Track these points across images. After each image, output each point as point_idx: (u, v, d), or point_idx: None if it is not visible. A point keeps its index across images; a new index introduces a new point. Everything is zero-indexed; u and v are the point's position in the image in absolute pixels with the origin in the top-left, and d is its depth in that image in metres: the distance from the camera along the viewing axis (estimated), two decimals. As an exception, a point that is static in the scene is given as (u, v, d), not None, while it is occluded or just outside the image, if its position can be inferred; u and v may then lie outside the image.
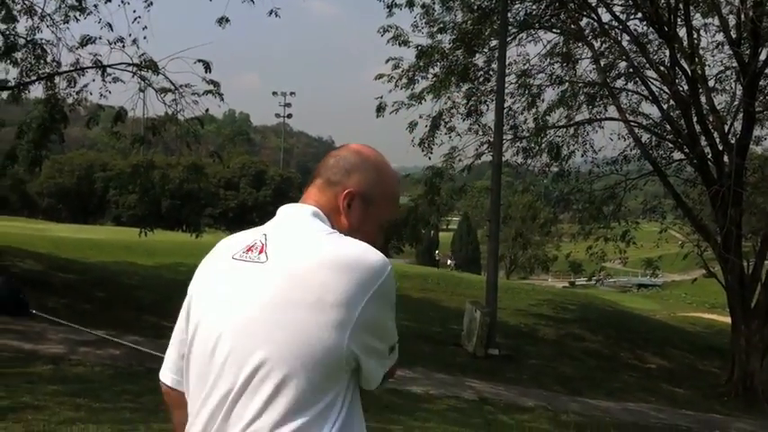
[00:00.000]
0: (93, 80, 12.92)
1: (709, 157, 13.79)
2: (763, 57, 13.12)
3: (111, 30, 12.42)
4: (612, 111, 15.37)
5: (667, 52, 13.90)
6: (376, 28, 14.85)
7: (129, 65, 12.47)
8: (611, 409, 10.54)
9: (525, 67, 15.59)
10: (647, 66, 14.28)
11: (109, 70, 12.65)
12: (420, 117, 15.39)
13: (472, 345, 12.77)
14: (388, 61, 15.10)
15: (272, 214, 1.55)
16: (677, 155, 15.61)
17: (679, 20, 13.32)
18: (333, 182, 1.53)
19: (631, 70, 14.83)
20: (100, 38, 12.42)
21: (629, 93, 15.72)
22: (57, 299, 11.63)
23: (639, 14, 14.25)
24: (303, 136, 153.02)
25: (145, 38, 13.04)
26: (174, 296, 1.53)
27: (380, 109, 15.25)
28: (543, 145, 15.98)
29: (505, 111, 14.89)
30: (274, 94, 75.15)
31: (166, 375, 1.53)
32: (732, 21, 13.06)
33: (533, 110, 15.88)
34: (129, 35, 12.40)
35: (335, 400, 1.36)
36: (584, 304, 22.21)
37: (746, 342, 13.20)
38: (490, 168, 14.95)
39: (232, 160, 60.16)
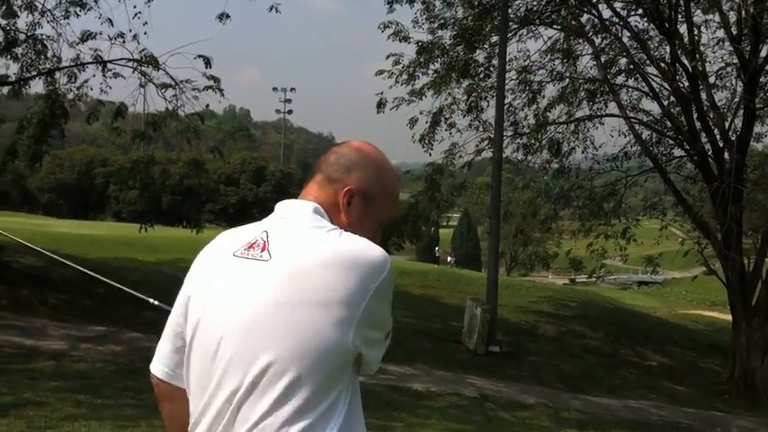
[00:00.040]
0: (94, 76, 12.93)
1: (709, 153, 13.79)
2: (763, 53, 13.14)
3: (112, 25, 12.41)
4: (613, 107, 15.37)
5: (668, 49, 13.89)
6: (376, 24, 14.84)
7: (130, 60, 12.47)
8: (612, 407, 10.55)
9: (526, 63, 15.60)
10: (648, 62, 14.26)
11: (109, 66, 12.66)
12: (420, 113, 15.40)
13: (473, 342, 12.78)
14: (388, 57, 15.09)
15: (272, 210, 1.54)
16: (678, 151, 15.62)
17: (680, 16, 13.31)
18: (333, 178, 1.53)
19: (632, 67, 14.81)
20: (100, 33, 12.43)
21: (630, 89, 15.73)
22: (57, 294, 11.64)
23: (640, 11, 14.24)
24: (303, 132, 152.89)
25: (145, 33, 13.00)
26: (175, 292, 1.53)
27: (381, 105, 15.23)
28: (544, 141, 15.96)
29: (506, 107, 14.88)
30: (275, 89, 75.33)
31: (157, 368, 1.53)
32: (733, 17, 13.07)
33: (534, 106, 15.87)
34: (130, 30, 12.39)
35: (338, 399, 1.36)
36: (584, 301, 22.23)
37: (747, 339, 13.20)
38: (490, 165, 14.93)
39: (232, 156, 60.11)
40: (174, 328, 1.51)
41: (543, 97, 15.94)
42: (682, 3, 13.16)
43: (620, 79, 15.72)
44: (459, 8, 14.98)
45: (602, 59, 14.98)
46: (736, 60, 13.75)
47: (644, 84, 14.67)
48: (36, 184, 58.08)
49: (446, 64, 15.10)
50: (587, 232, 15.94)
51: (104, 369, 7.79)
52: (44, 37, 12.71)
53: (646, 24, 14.54)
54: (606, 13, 14.52)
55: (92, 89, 13.15)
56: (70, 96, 13.04)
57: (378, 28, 14.78)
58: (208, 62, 12.12)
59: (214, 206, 58.48)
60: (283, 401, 1.31)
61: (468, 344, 13.00)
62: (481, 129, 15.59)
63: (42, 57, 12.84)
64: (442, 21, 14.88)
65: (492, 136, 14.71)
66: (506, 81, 14.45)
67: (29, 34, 12.62)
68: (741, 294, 13.45)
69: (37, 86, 13.59)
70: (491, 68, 15.33)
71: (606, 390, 11.90)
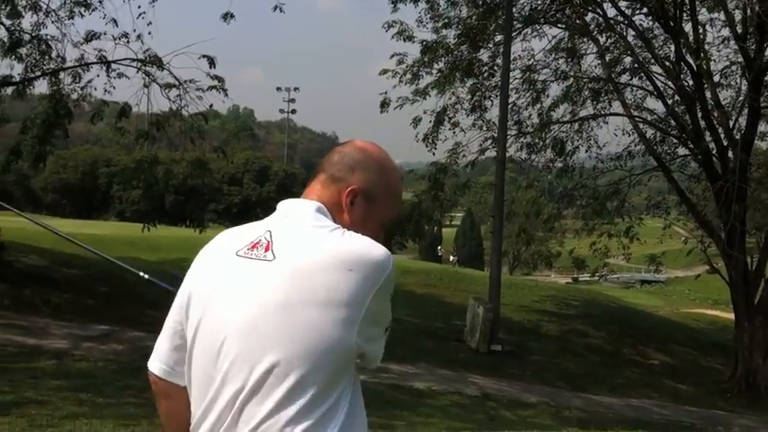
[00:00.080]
0: (98, 76, 12.99)
1: (713, 152, 13.77)
2: (768, 52, 13.09)
3: (116, 25, 12.45)
4: (617, 106, 15.37)
5: (673, 47, 13.87)
6: (380, 23, 14.88)
7: (134, 60, 12.49)
8: (614, 405, 10.55)
9: (530, 62, 15.61)
10: (653, 61, 14.26)
11: (113, 66, 12.69)
12: (424, 112, 15.43)
13: (475, 341, 12.77)
14: (392, 57, 15.12)
15: (275, 210, 1.54)
16: (682, 150, 15.62)
17: (685, 15, 13.29)
18: (336, 178, 1.52)
19: (636, 65, 14.80)
20: (104, 33, 12.47)
21: (634, 88, 15.71)
22: (59, 294, 11.66)
23: (645, 9, 14.21)
24: (307, 131, 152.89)
25: (149, 33, 13.05)
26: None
27: (385, 104, 15.24)
28: (547, 140, 15.96)
29: (510, 106, 14.87)
30: (278, 89, 75.07)
31: (155, 365, 1.53)
32: (738, 15, 13.03)
33: (538, 105, 15.88)
34: (134, 31, 12.43)
35: (340, 398, 1.36)
36: (587, 300, 22.21)
37: (750, 338, 13.19)
38: (494, 164, 14.95)
39: (236, 156, 60.05)
40: (173, 327, 1.50)
41: (547, 96, 15.97)
42: (687, 1, 13.14)
43: (624, 78, 15.73)
44: (463, 7, 15.00)
45: (607, 58, 14.97)
46: (740, 59, 13.73)
47: (648, 82, 14.66)
48: (40, 184, 58.23)
49: (450, 63, 15.11)
50: (590, 231, 15.94)
51: (106, 368, 7.80)
52: (48, 37, 12.77)
53: (650, 23, 14.56)
54: (611, 12, 14.55)
55: (96, 89, 13.19)
56: (74, 96, 13.08)
57: (382, 27, 14.83)
58: (212, 62, 12.14)
59: (217, 206, 58.53)
60: (287, 402, 1.31)
61: (470, 343, 13.00)
62: (485, 128, 15.61)
63: (47, 57, 12.87)
64: (447, 20, 14.89)
65: (496, 135, 14.71)
66: (510, 80, 14.45)
67: (33, 34, 12.65)
68: (744, 293, 13.43)
69: (41, 87, 13.63)
70: (495, 68, 15.34)
71: (608, 388, 11.90)
